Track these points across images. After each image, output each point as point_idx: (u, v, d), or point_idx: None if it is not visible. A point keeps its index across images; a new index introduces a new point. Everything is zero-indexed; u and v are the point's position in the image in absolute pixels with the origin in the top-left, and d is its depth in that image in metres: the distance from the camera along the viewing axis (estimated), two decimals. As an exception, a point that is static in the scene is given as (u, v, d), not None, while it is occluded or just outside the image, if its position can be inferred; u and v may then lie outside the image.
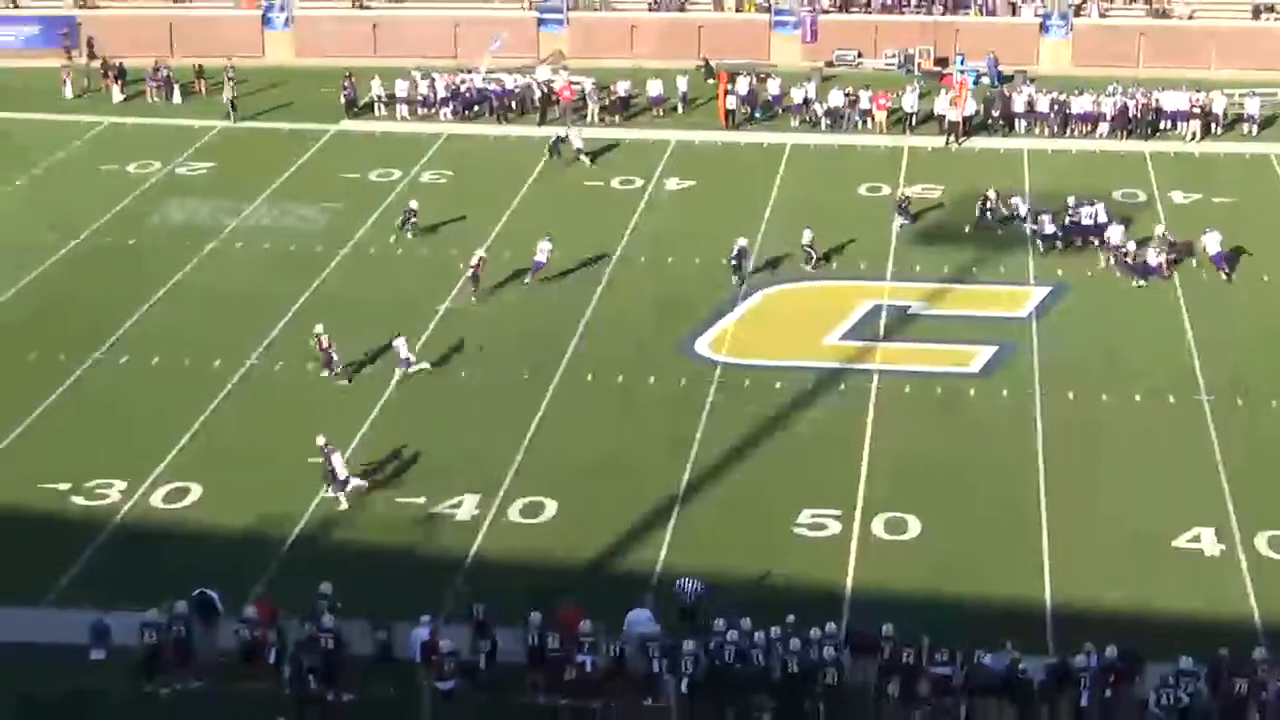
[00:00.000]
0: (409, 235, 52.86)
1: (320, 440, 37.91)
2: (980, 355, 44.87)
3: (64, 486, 38.52)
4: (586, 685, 30.95)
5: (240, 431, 41.30)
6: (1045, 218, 51.65)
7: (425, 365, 43.99)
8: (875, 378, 43.68)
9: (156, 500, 38.24)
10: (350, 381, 43.54)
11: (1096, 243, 50.93)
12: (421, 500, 37.90)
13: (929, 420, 41.66)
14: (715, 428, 41.10)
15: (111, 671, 31.57)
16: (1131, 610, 33.65)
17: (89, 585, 34.62)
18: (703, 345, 45.58)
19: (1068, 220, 51.82)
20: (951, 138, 61.65)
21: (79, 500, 38.14)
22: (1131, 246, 49.89)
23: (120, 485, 38.63)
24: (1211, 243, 49.87)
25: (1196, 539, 36.24)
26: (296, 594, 33.01)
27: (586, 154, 59.98)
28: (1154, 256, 49.37)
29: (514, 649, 31.53)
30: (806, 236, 50.22)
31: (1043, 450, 39.96)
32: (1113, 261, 49.94)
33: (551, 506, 37.79)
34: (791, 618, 31.44)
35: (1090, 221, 51.37)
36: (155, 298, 48.60)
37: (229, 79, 66.37)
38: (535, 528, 37.11)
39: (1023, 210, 52.90)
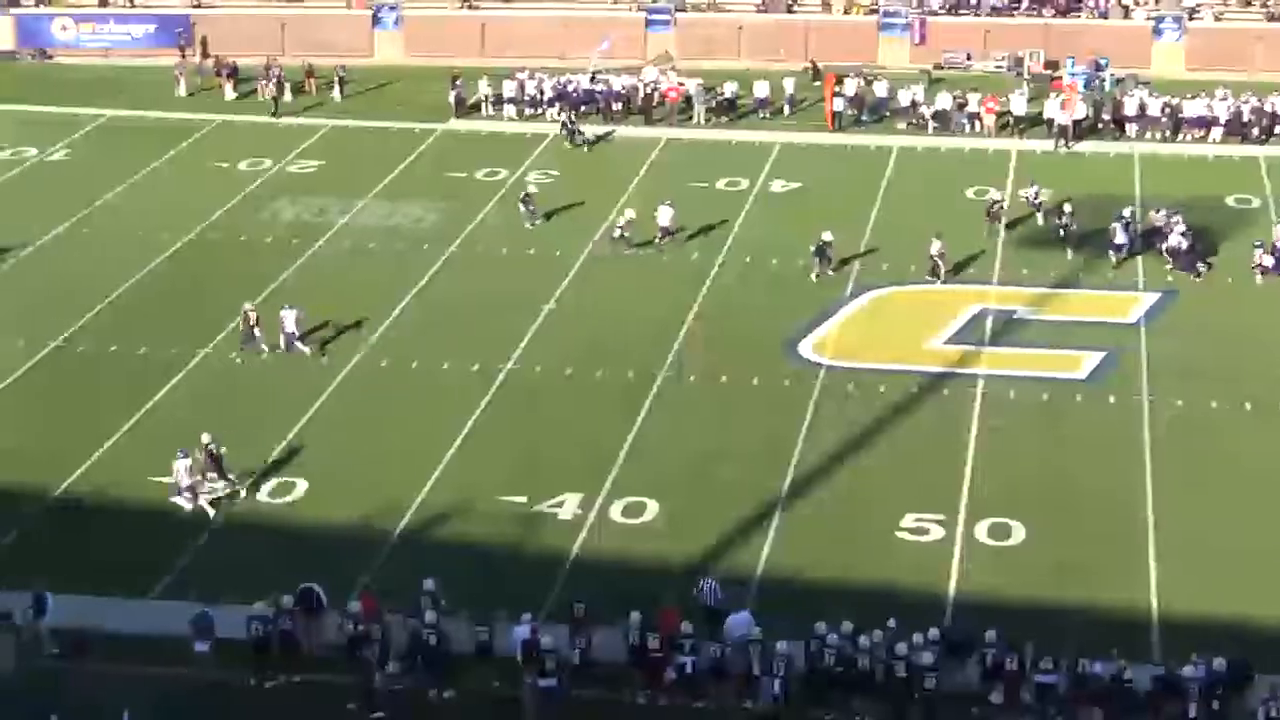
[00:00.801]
0: (530, 220, 53.64)
1: (205, 438, 38.47)
2: (1088, 361, 44.36)
3: (173, 480, 38.91)
4: (686, 686, 31.00)
5: (347, 427, 41.64)
6: (1117, 226, 50.68)
7: (306, 350, 45.05)
8: (980, 382, 43.33)
9: (263, 494, 38.63)
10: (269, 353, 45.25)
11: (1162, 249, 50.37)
12: (524, 499, 37.99)
13: (1034, 426, 41.28)
14: (818, 430, 40.96)
15: (216, 663, 31.97)
16: (1240, 621, 33.10)
17: (196, 578, 35.00)
18: (806, 347, 45.43)
19: (1127, 226, 50.89)
20: (1061, 141, 61.05)
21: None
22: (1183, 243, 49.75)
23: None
24: (1278, 234, 49.85)
25: (1308, 549, 35.72)
26: (401, 590, 33.26)
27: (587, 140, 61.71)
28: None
29: (614, 648, 31.58)
30: (935, 247, 49.02)
31: (1150, 457, 39.49)
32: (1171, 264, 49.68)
33: (653, 507, 37.78)
34: (892, 622, 31.29)
35: (1168, 228, 50.70)
36: (264, 294, 49.03)
37: (275, 76, 67.52)
38: (637, 528, 37.13)
39: (1033, 197, 52.40)
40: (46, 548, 36.13)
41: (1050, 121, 61.74)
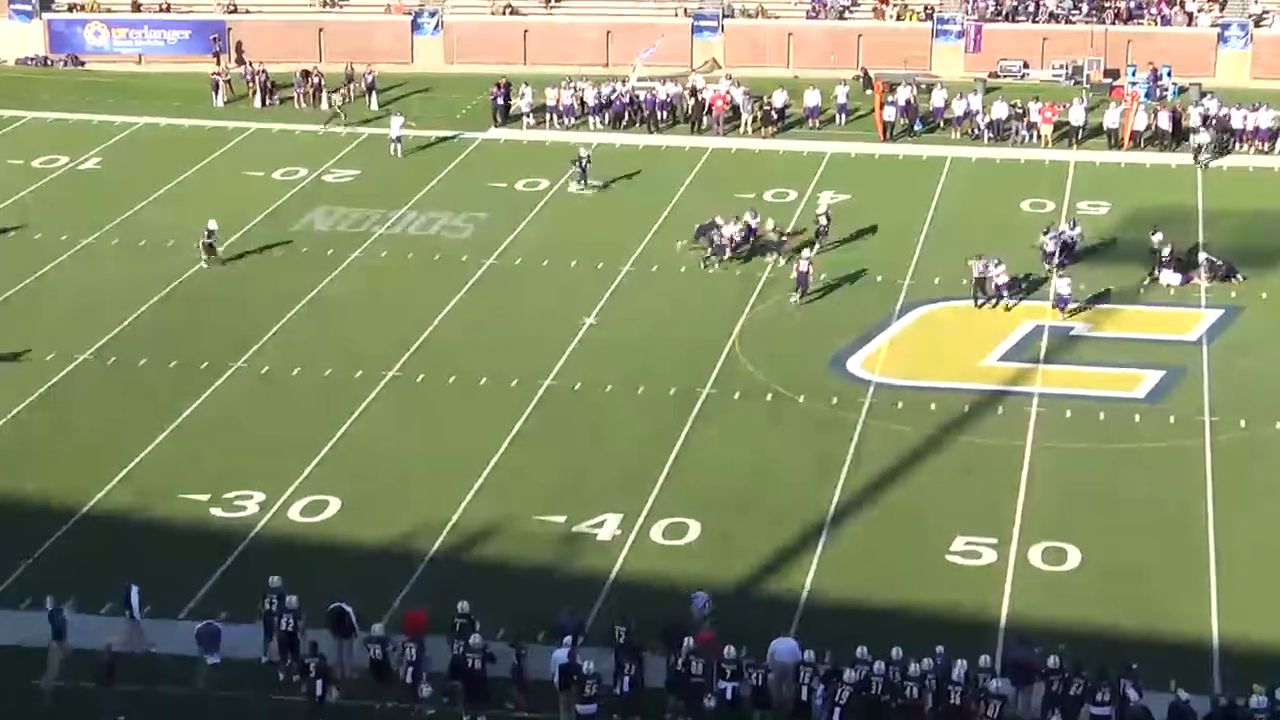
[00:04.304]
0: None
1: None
2: (1147, 380, 43.45)
3: (203, 498, 38.35)
4: (727, 712, 30.25)
5: (380, 444, 40.97)
6: (1046, 237, 49.79)
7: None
8: (1035, 401, 42.43)
9: (295, 513, 37.91)
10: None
11: None
12: (562, 519, 37.27)
13: (1091, 447, 40.39)
14: (866, 450, 40.15)
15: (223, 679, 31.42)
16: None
17: (226, 598, 34.18)
18: (855, 364, 44.52)
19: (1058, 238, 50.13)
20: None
21: (218, 512, 37.91)
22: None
23: (259, 497, 38.41)
24: None
25: (1376, 576, 34.71)
26: (435, 611, 32.46)
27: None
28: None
29: (654, 673, 30.98)
30: (1000, 276, 47.59)
31: (1212, 480, 38.64)
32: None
33: (695, 528, 37.05)
34: (940, 649, 30.57)
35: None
36: (298, 306, 48.46)
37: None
38: (678, 549, 36.39)
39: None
40: (75, 565, 35.47)
41: (1110, 132, 60.61)
